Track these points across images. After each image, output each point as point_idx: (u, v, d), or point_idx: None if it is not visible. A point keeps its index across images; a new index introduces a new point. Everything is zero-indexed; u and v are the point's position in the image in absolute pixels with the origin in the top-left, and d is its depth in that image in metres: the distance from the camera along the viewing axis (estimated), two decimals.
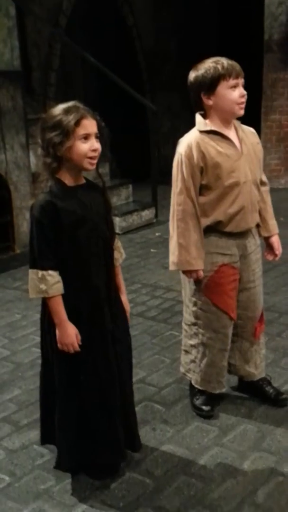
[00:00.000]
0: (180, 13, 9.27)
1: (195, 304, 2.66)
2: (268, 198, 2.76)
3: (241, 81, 2.48)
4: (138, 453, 2.45)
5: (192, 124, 2.64)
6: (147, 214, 6.55)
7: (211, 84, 2.44)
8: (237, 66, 2.47)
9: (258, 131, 7.93)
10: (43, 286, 2.10)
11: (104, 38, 8.04)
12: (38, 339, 3.61)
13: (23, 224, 5.49)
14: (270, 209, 2.77)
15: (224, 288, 2.60)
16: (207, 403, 2.76)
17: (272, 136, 8.19)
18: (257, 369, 2.81)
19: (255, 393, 2.86)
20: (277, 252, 2.81)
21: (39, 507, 2.21)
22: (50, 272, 2.10)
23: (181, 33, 9.36)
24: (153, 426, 2.68)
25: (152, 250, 5.55)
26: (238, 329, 2.73)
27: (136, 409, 2.52)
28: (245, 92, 2.49)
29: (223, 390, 2.80)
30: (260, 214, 2.71)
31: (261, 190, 2.68)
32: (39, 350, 3.42)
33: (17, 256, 5.38)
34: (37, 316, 3.95)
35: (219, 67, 2.43)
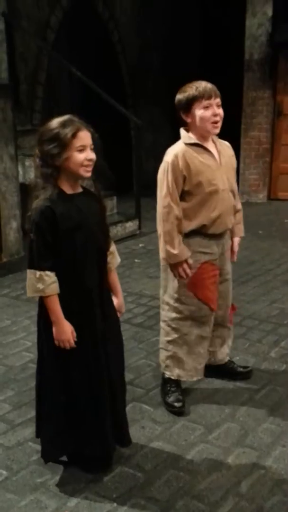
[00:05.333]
0: (163, 31, 9.53)
1: (177, 300, 2.91)
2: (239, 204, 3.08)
3: (215, 101, 2.75)
4: (128, 449, 2.59)
5: (173, 138, 2.97)
6: (131, 225, 6.71)
7: (186, 104, 2.77)
8: (211, 88, 2.75)
9: (238, 147, 8.20)
10: (40, 286, 2.23)
11: (89, 53, 8.24)
12: (28, 343, 3.75)
13: (10, 234, 5.60)
14: (238, 215, 3.09)
15: (205, 282, 2.89)
16: (179, 400, 2.95)
17: (251, 152, 8.45)
18: (228, 351, 3.24)
19: (223, 374, 3.24)
20: (234, 250, 3.14)
21: (36, 499, 2.34)
22: (47, 272, 2.23)
23: (163, 50, 9.61)
24: (142, 425, 2.83)
25: (136, 260, 5.71)
26: (218, 319, 3.05)
27: (126, 409, 2.66)
28: (217, 112, 2.76)
29: (200, 378, 3.04)
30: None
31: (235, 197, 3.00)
32: (29, 354, 3.58)
33: (4, 264, 5.47)
34: (27, 322, 4.12)
35: (194, 89, 2.74)
